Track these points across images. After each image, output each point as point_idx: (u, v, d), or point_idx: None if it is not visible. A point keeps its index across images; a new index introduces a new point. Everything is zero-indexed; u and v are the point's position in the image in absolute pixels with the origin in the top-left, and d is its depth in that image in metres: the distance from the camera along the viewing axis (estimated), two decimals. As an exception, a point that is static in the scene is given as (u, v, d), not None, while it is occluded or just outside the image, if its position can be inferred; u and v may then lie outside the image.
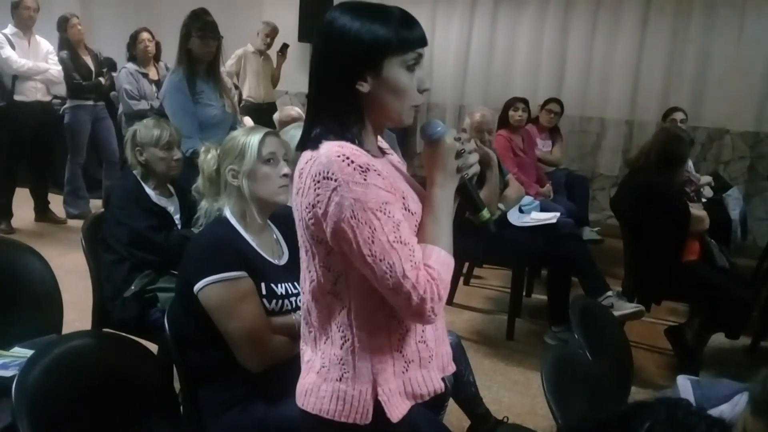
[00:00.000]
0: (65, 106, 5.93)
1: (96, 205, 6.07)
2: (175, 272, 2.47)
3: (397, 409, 1.38)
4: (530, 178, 5.10)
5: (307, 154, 1.34)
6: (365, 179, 1.26)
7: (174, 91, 3.69)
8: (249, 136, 2.07)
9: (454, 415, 2.71)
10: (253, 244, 2.00)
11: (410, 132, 6.95)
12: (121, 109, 5.70)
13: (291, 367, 1.51)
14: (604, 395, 1.95)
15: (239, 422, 1.90)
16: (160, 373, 2.01)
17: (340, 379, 1.38)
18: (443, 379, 1.55)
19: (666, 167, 3.58)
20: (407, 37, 1.33)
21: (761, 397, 1.44)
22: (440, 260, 1.33)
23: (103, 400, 1.76)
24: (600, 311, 2.61)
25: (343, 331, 1.38)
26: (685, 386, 1.77)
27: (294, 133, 2.46)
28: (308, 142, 1.35)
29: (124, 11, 7.39)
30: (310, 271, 1.40)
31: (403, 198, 1.36)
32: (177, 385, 2.09)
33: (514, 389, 3.44)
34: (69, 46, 5.76)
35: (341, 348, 1.38)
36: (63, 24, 5.77)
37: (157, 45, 5.65)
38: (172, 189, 2.98)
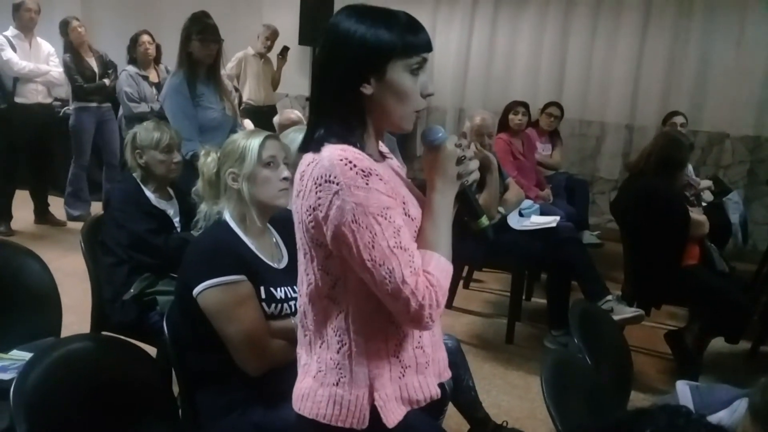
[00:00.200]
0: (70, 108, 5.93)
1: (97, 207, 6.07)
2: (175, 275, 2.48)
3: (393, 415, 1.38)
4: (530, 181, 5.09)
5: (308, 157, 1.33)
6: (367, 183, 1.26)
7: (174, 94, 3.69)
8: (249, 140, 2.07)
9: (453, 419, 2.71)
10: (253, 247, 2.00)
11: (410, 135, 6.95)
12: (121, 112, 5.70)
13: (290, 371, 1.51)
14: (604, 400, 1.95)
15: (238, 426, 1.90)
16: (158, 376, 2.01)
17: (337, 384, 1.38)
18: (442, 384, 1.55)
19: (666, 171, 3.58)
20: (412, 41, 1.34)
21: (761, 405, 1.44)
22: (439, 267, 1.33)
23: (101, 404, 1.75)
24: (599, 315, 2.61)
25: (340, 336, 1.37)
26: (684, 392, 1.77)
27: (294, 137, 2.46)
28: (310, 144, 1.35)
29: (125, 14, 7.39)
30: (308, 274, 1.40)
31: (404, 203, 1.36)
32: (176, 389, 2.08)
33: (514, 393, 3.43)
34: (72, 48, 5.76)
35: (338, 352, 1.38)
36: (64, 27, 5.78)
37: (158, 47, 5.65)
38: (171, 192, 2.97)
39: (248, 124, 5.09)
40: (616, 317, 3.44)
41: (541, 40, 6.77)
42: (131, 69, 5.48)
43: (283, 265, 2.06)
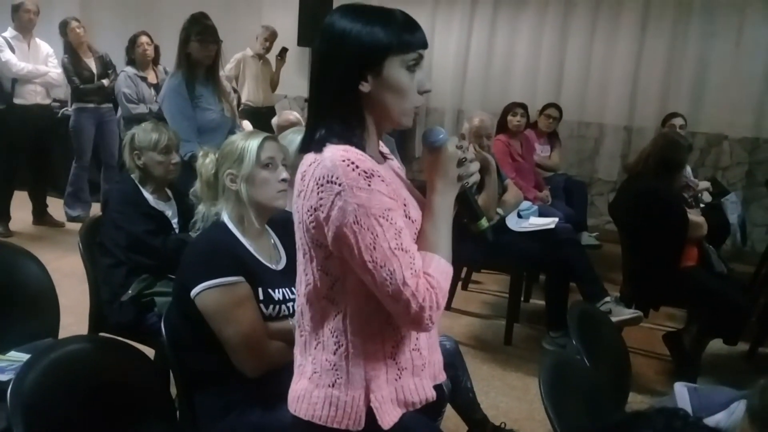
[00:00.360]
0: (69, 109, 5.93)
1: (97, 208, 6.06)
2: (173, 276, 2.47)
3: (388, 416, 1.38)
4: (528, 183, 5.09)
5: (310, 157, 1.33)
6: (369, 185, 1.26)
7: (173, 95, 3.69)
8: (248, 141, 2.07)
9: (451, 420, 2.70)
10: (251, 249, 2.00)
11: (409, 137, 6.96)
12: (119, 113, 5.70)
13: (288, 373, 1.51)
14: (602, 401, 1.95)
15: (236, 427, 1.89)
16: (156, 377, 2.01)
17: (333, 385, 1.38)
18: (440, 385, 1.55)
19: (664, 173, 3.58)
20: (408, 37, 1.34)
21: (759, 408, 1.44)
22: (440, 269, 1.33)
23: (99, 405, 1.75)
24: (598, 317, 2.61)
25: (337, 337, 1.37)
26: (682, 393, 1.77)
27: (292, 138, 2.46)
28: (311, 144, 1.35)
29: (124, 14, 7.40)
30: (306, 274, 1.40)
31: (404, 205, 1.36)
32: (174, 390, 2.08)
33: (512, 395, 3.43)
34: (71, 49, 5.76)
35: (334, 354, 1.38)
36: (63, 28, 5.78)
37: (156, 49, 5.64)
38: (170, 193, 2.97)
39: (247, 125, 5.09)
40: (614, 318, 3.44)
41: (540, 41, 6.78)
42: (130, 70, 5.48)
43: (281, 266, 2.06)
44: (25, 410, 1.55)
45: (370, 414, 1.37)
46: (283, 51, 6.82)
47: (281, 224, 2.13)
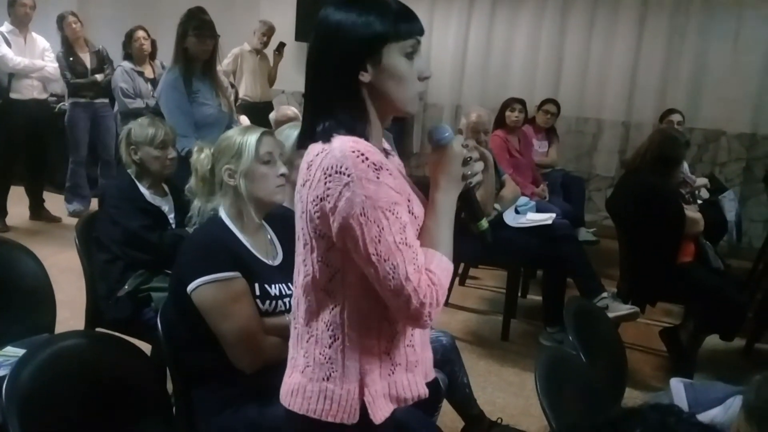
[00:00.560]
0: (66, 104, 5.92)
1: (96, 203, 6.06)
2: (169, 272, 2.46)
3: (380, 411, 1.38)
4: (526, 179, 5.09)
5: (317, 147, 1.32)
6: (378, 177, 1.26)
7: (170, 90, 3.68)
8: (245, 136, 2.06)
9: (448, 416, 2.71)
10: (247, 244, 2.00)
11: (407, 132, 6.97)
12: (116, 108, 5.69)
13: (284, 368, 1.50)
14: (598, 397, 1.95)
15: (232, 423, 1.89)
16: (153, 373, 2.01)
17: (327, 379, 1.38)
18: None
19: (661, 169, 3.58)
20: (404, 24, 1.33)
21: (755, 404, 1.44)
22: (441, 266, 1.33)
23: (95, 401, 1.75)
24: (595, 313, 2.61)
25: (332, 330, 1.37)
26: (678, 389, 1.77)
27: (289, 133, 2.45)
28: (316, 135, 1.34)
29: (121, 9, 7.37)
30: (306, 265, 1.39)
31: (409, 201, 1.36)
32: (170, 386, 2.08)
33: (509, 390, 3.43)
34: (67, 43, 5.75)
35: (330, 347, 1.37)
36: (60, 22, 5.76)
37: (153, 43, 5.63)
38: (166, 188, 2.97)
39: (244, 120, 5.07)
40: (611, 314, 3.44)
41: (538, 37, 6.77)
42: (126, 65, 5.47)
43: (277, 262, 2.06)
44: (21, 406, 1.55)
45: (362, 408, 1.37)
46: (281, 46, 6.80)
47: (278, 220, 2.13)
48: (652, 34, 6.41)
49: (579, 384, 1.94)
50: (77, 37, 5.77)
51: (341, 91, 1.34)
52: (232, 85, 5.89)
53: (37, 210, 5.99)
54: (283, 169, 2.09)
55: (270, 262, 2.03)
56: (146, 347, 2.35)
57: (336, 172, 1.26)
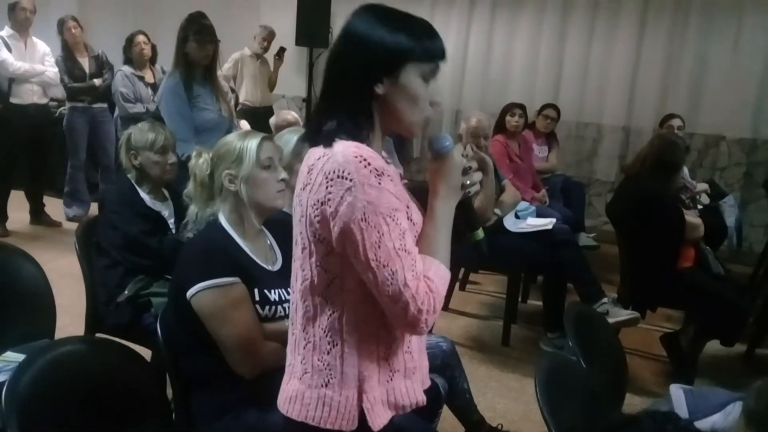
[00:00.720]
0: (66, 108, 5.92)
1: (96, 208, 6.05)
2: (169, 277, 2.46)
3: (379, 418, 1.38)
4: (526, 183, 5.09)
5: (318, 151, 1.33)
6: (380, 183, 1.27)
7: (170, 95, 3.68)
8: (246, 141, 2.06)
9: (448, 422, 2.70)
10: (247, 249, 1.99)
11: (407, 137, 6.95)
12: (117, 113, 5.69)
13: (283, 374, 1.50)
14: (598, 403, 1.95)
15: (232, 429, 1.89)
16: (152, 378, 2.00)
17: (326, 385, 1.38)
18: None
19: (661, 174, 3.58)
20: (429, 47, 1.35)
21: (755, 409, 1.44)
22: (439, 273, 1.34)
23: (94, 407, 1.74)
24: (595, 318, 2.61)
25: (331, 336, 1.37)
26: (677, 395, 1.77)
27: (288, 138, 2.46)
28: (319, 137, 1.35)
29: (122, 14, 7.39)
30: (304, 270, 1.39)
31: (408, 208, 1.36)
32: (170, 391, 2.08)
33: (509, 396, 3.43)
34: (66, 48, 5.76)
35: (328, 353, 1.37)
36: (60, 26, 5.78)
37: (153, 48, 5.64)
38: (166, 193, 2.96)
39: (244, 124, 5.08)
40: (611, 320, 3.44)
41: (538, 42, 6.78)
42: (127, 69, 5.48)
43: (277, 267, 2.06)
44: (20, 412, 1.54)
45: (361, 415, 1.37)
46: (281, 51, 6.82)
47: (278, 225, 2.13)
48: (652, 39, 6.42)
49: (579, 390, 1.93)
50: (77, 41, 5.78)
51: (353, 98, 1.35)
52: (233, 90, 5.90)
53: (38, 215, 6.00)
54: (283, 174, 2.09)
55: (270, 268, 2.03)
56: (146, 353, 2.34)
57: (338, 177, 1.26)
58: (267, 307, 1.94)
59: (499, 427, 2.90)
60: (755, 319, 3.98)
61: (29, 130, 5.61)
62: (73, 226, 4.50)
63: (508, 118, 5.16)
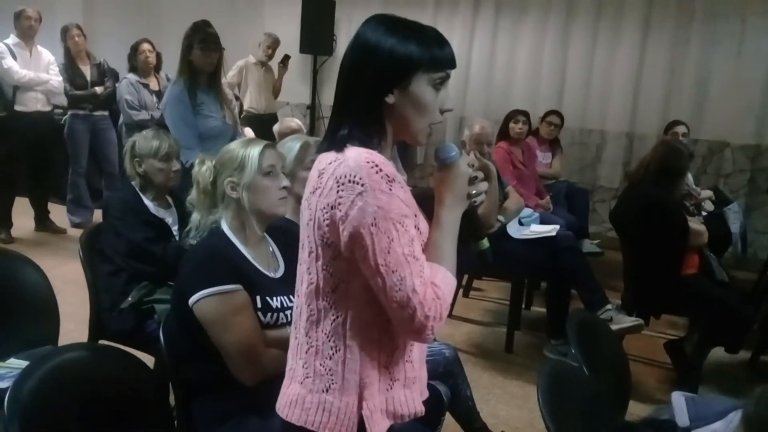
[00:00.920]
0: (65, 116, 5.95)
1: (99, 214, 6.07)
2: (173, 284, 2.47)
3: (377, 426, 1.38)
4: (530, 190, 5.09)
5: (330, 155, 1.34)
6: (390, 189, 1.27)
7: (175, 102, 3.70)
8: (248, 149, 2.07)
9: (450, 429, 2.70)
10: (249, 256, 2.00)
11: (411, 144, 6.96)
12: (121, 120, 5.72)
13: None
14: (601, 410, 1.94)
15: (233, 435, 1.89)
16: (155, 385, 2.00)
17: (327, 390, 1.38)
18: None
19: (665, 180, 3.57)
20: (439, 56, 1.36)
21: (754, 416, 1.44)
22: (445, 280, 1.34)
23: (97, 413, 1.74)
24: (598, 325, 2.60)
25: (334, 341, 1.37)
26: (679, 402, 1.76)
27: (291, 145, 2.46)
28: (332, 144, 1.36)
29: (127, 22, 7.42)
30: (309, 273, 1.39)
31: (416, 216, 1.37)
32: (173, 398, 2.08)
33: (513, 403, 3.42)
34: (69, 56, 5.79)
35: (330, 358, 1.37)
36: (63, 34, 5.81)
37: (158, 56, 5.68)
38: (170, 200, 2.97)
39: (248, 132, 5.10)
40: (615, 326, 3.44)
41: (542, 48, 6.79)
42: (132, 77, 5.51)
43: (279, 274, 2.06)
44: (22, 418, 1.54)
45: (360, 422, 1.37)
46: (286, 58, 6.85)
47: (280, 232, 2.14)
48: (656, 46, 6.42)
49: (582, 397, 1.93)
50: (79, 49, 5.82)
51: (364, 107, 1.36)
52: (237, 98, 5.92)
53: (42, 221, 6.02)
54: (285, 182, 2.10)
55: (272, 275, 2.03)
56: (149, 359, 2.35)
57: (349, 182, 1.27)
58: (269, 315, 1.94)
59: (502, 434, 2.90)
60: (759, 326, 3.97)
61: (33, 137, 5.64)
62: (78, 232, 4.52)
63: (511, 124, 5.16)
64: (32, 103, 5.61)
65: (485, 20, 6.96)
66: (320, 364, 1.38)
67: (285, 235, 2.10)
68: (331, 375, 1.37)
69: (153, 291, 2.75)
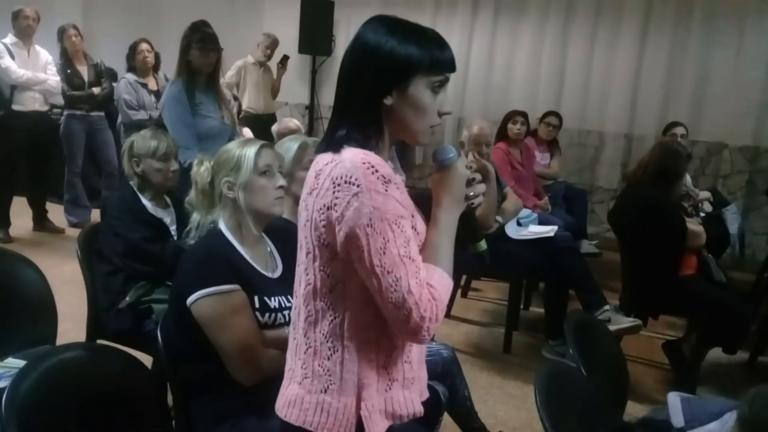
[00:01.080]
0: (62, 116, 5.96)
1: (97, 214, 6.07)
2: (171, 283, 2.47)
3: (376, 426, 1.38)
4: (528, 191, 5.09)
5: (327, 156, 1.34)
6: (386, 190, 1.27)
7: (173, 102, 3.70)
8: (245, 149, 2.07)
9: (448, 429, 2.70)
10: (247, 257, 2.00)
11: (410, 144, 6.96)
12: (120, 119, 5.71)
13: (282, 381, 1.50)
14: (598, 410, 1.94)
15: (231, 435, 1.89)
16: (153, 385, 2.00)
17: (325, 391, 1.38)
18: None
19: (663, 181, 3.58)
20: (438, 59, 1.36)
21: (748, 416, 1.44)
22: (442, 281, 1.34)
23: (94, 413, 1.74)
24: (595, 326, 2.60)
25: (332, 342, 1.37)
26: (674, 403, 1.76)
27: (289, 146, 2.46)
28: (329, 145, 1.36)
29: (126, 22, 7.42)
30: (307, 274, 1.39)
31: (412, 216, 1.37)
32: (171, 398, 2.08)
33: (511, 403, 3.42)
34: (66, 56, 5.79)
35: (328, 359, 1.37)
36: (60, 34, 5.81)
37: (156, 56, 5.67)
38: (168, 200, 2.97)
39: (247, 132, 5.10)
40: (613, 327, 3.44)
41: (541, 49, 6.80)
42: (130, 77, 5.51)
43: (277, 274, 2.06)
44: (20, 418, 1.54)
45: (358, 423, 1.37)
46: (284, 58, 6.85)
47: (278, 232, 2.14)
48: (654, 47, 6.42)
49: (579, 397, 1.93)
50: (76, 50, 5.82)
51: (362, 108, 1.36)
52: (236, 98, 5.92)
53: (41, 221, 6.02)
54: (281, 182, 2.10)
55: (270, 275, 2.03)
56: (147, 359, 2.35)
57: (345, 182, 1.27)
58: (267, 315, 1.94)
59: (500, 434, 2.90)
60: (757, 327, 3.97)
61: (31, 136, 5.65)
62: (76, 232, 4.51)
63: (510, 125, 5.16)
64: (30, 102, 5.60)
65: (484, 21, 6.96)
66: (318, 365, 1.38)
67: (283, 234, 2.10)
68: (330, 375, 1.37)
69: (151, 291, 2.75)
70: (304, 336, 1.41)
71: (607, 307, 3.73)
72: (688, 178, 4.60)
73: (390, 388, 1.41)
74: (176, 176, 2.93)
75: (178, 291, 1.95)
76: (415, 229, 1.36)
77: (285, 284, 1.96)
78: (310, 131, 7.24)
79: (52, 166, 6.09)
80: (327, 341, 1.37)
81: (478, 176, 1.44)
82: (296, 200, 1.54)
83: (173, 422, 2.02)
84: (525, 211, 4.44)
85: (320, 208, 1.31)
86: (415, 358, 1.46)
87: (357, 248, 1.28)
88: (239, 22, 7.33)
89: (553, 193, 5.66)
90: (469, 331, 4.38)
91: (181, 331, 1.96)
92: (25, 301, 2.41)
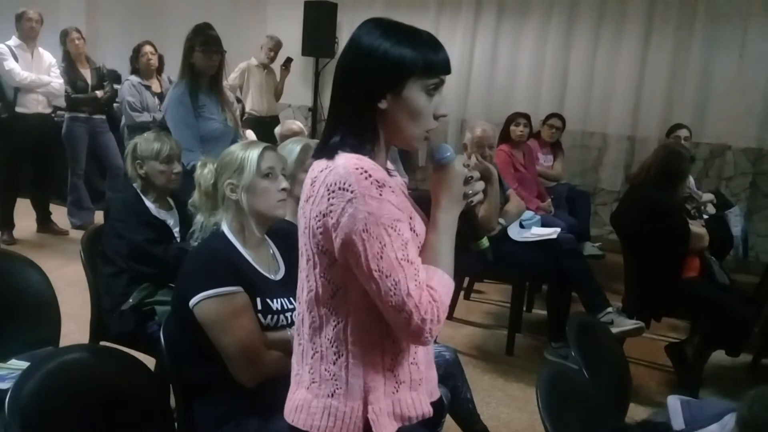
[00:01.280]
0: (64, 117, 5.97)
1: (100, 216, 6.08)
2: (174, 285, 2.47)
3: (384, 430, 1.37)
4: (531, 193, 5.09)
5: (321, 163, 1.34)
6: (381, 194, 1.27)
7: (176, 104, 3.71)
8: (248, 151, 2.08)
9: (450, 431, 2.70)
10: (250, 258, 2.00)
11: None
12: (123, 121, 5.73)
13: (285, 383, 1.51)
14: (600, 413, 1.94)
15: (233, 437, 1.89)
16: (155, 386, 2.00)
17: (332, 395, 1.38)
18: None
19: (666, 184, 3.57)
20: (433, 62, 1.34)
21: (747, 417, 1.44)
22: (442, 283, 1.34)
23: (97, 415, 1.75)
24: (598, 328, 2.60)
25: (336, 347, 1.37)
26: (674, 406, 1.76)
27: (292, 148, 2.47)
28: (323, 151, 1.36)
29: (129, 24, 7.44)
30: (309, 281, 1.40)
31: (410, 218, 1.37)
32: (173, 400, 2.08)
33: (513, 405, 3.42)
34: (69, 59, 5.80)
35: (334, 363, 1.38)
36: (63, 37, 5.83)
37: (160, 58, 5.69)
38: (171, 202, 2.98)
39: (250, 134, 5.11)
40: (616, 329, 3.43)
41: (544, 51, 6.80)
42: (134, 79, 5.52)
43: (279, 276, 2.06)
44: (23, 419, 1.55)
45: (366, 426, 1.37)
46: (288, 61, 6.87)
47: (281, 234, 2.14)
48: (658, 49, 6.42)
49: (581, 399, 1.93)
50: (79, 53, 5.83)
51: (356, 113, 1.35)
52: (239, 100, 5.93)
53: (45, 223, 6.03)
54: (284, 184, 2.10)
55: (272, 277, 2.04)
56: (150, 361, 2.35)
57: (339, 189, 1.27)
58: (269, 316, 1.95)
59: (503, 436, 2.89)
60: (761, 329, 3.96)
61: (34, 139, 5.65)
62: (80, 234, 4.53)
63: (513, 127, 5.17)
64: (33, 104, 5.61)
65: (487, 23, 6.97)
66: (325, 370, 1.38)
67: (285, 237, 2.10)
68: (336, 380, 1.38)
69: (154, 292, 2.76)
70: (310, 341, 1.41)
71: (609, 309, 3.72)
72: (691, 180, 4.59)
73: (397, 391, 1.41)
74: (179, 178, 2.94)
75: (181, 293, 1.95)
76: (414, 231, 1.36)
77: (287, 286, 1.96)
78: (313, 133, 7.25)
79: (56, 168, 6.11)
80: (332, 346, 1.38)
81: (476, 174, 1.42)
82: (299, 202, 1.54)
83: (175, 424, 2.02)
84: (528, 213, 4.44)
85: (316, 216, 1.31)
86: (421, 359, 1.46)
87: (354, 254, 1.28)
88: (242, 24, 7.35)
89: (555, 195, 5.66)
90: (472, 333, 4.38)
91: (183, 333, 1.97)
92: (29, 303, 2.41)
